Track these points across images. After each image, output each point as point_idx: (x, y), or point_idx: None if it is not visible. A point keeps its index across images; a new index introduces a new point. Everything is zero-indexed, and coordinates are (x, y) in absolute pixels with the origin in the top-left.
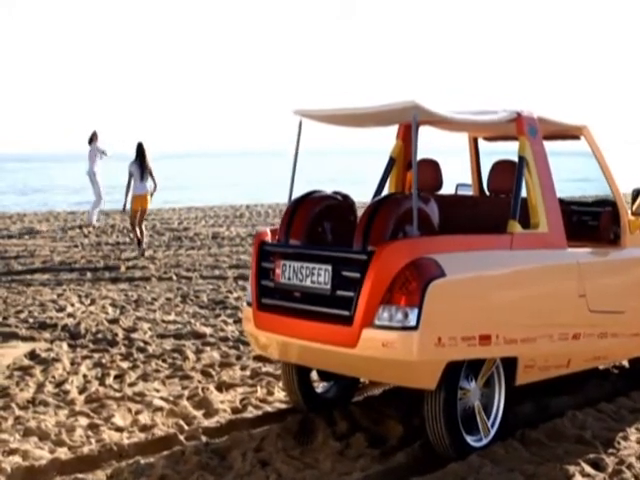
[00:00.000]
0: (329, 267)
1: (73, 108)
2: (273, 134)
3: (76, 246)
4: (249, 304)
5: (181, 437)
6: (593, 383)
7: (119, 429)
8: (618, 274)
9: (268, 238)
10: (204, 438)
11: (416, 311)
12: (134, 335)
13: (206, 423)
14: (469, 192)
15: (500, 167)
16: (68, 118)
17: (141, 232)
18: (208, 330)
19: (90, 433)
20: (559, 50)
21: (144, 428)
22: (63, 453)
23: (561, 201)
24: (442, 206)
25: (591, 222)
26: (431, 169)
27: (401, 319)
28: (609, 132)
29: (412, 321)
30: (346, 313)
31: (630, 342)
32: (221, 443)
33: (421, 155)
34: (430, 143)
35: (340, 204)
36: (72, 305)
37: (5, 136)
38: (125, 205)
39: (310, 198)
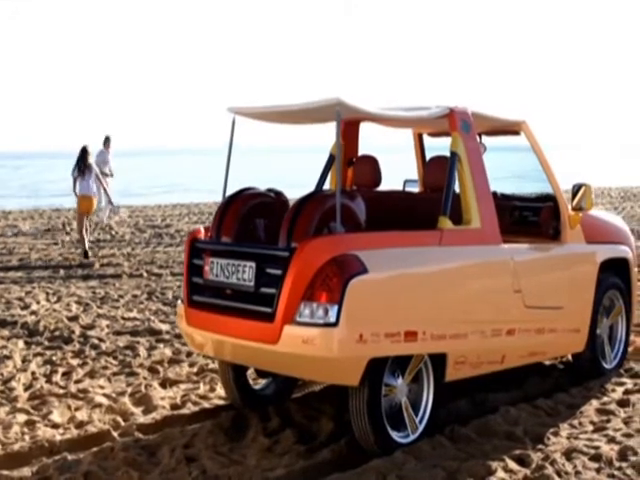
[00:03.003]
0: (253, 264)
1: (70, 107)
2: (270, 132)
3: (56, 244)
4: (183, 301)
5: (115, 433)
6: (534, 379)
7: (55, 426)
8: (556, 269)
9: (201, 235)
10: (138, 434)
11: (336, 308)
12: (91, 332)
13: (142, 419)
14: (416, 188)
15: (434, 163)
16: (68, 117)
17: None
18: (165, 327)
19: (26, 430)
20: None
21: (80, 425)
22: None
23: (503, 196)
24: (380, 203)
25: (532, 217)
26: (369, 165)
27: (322, 316)
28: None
29: (332, 318)
30: (268, 310)
31: (570, 337)
32: (152, 439)
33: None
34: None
35: (273, 202)
36: (38, 303)
37: (6, 135)
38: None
39: (242, 196)
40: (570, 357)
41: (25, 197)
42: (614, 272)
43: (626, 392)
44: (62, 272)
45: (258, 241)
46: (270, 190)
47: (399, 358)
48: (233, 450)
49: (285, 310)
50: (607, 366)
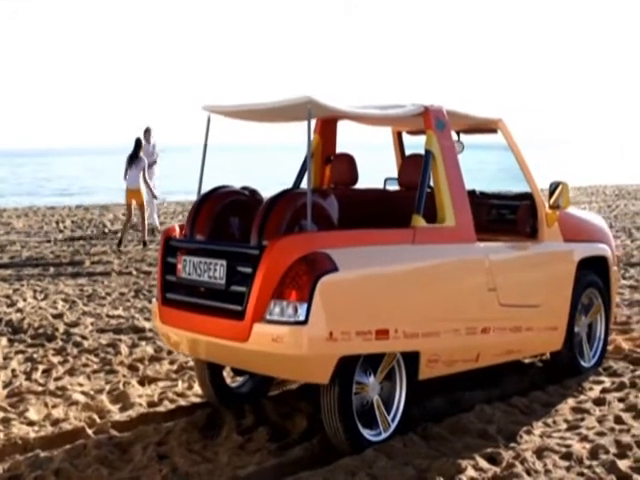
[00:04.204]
0: (224, 262)
1: (69, 106)
2: (267, 130)
3: (48, 241)
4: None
5: (89, 431)
6: (512, 377)
7: (31, 423)
8: (533, 268)
9: (175, 233)
10: (113, 432)
11: (305, 306)
12: (74, 330)
13: (117, 417)
14: (396, 186)
15: (410, 161)
16: (67, 115)
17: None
18: (149, 325)
19: (0, 427)
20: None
21: (55, 422)
22: None
23: (482, 194)
24: (357, 201)
25: (509, 216)
26: (347, 163)
27: (291, 314)
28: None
29: (301, 316)
30: (239, 308)
31: (547, 336)
32: (126, 437)
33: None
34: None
35: (248, 200)
36: (24, 300)
37: (6, 133)
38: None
39: (216, 194)
40: (548, 355)
41: (25, 195)
42: (593, 270)
43: (603, 391)
44: (52, 270)
45: (232, 239)
46: (245, 188)
47: (371, 356)
48: (206, 447)
49: (255, 308)
50: (585, 364)
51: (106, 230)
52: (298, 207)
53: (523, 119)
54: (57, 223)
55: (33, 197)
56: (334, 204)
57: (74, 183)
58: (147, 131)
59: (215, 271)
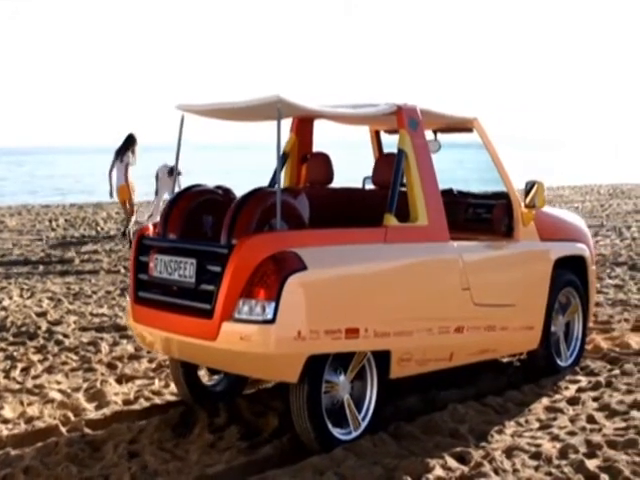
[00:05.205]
0: (194, 261)
1: (68, 104)
2: (264, 129)
3: (40, 240)
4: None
5: (63, 429)
6: (488, 376)
7: (5, 421)
8: (508, 267)
9: (149, 232)
10: (86, 430)
11: (273, 305)
12: (57, 328)
13: (92, 415)
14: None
15: (384, 160)
16: (67, 114)
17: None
18: None
19: None
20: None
21: (30, 420)
22: None
23: (460, 193)
24: (332, 200)
25: (485, 215)
26: (322, 163)
27: (259, 312)
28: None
29: (269, 314)
30: (207, 307)
31: (523, 335)
32: (98, 435)
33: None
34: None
35: (221, 199)
36: (10, 299)
37: (7, 132)
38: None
39: (188, 193)
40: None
41: (22, 193)
42: (571, 270)
43: (579, 390)
44: (41, 268)
45: (205, 238)
46: (218, 187)
47: (341, 355)
48: (177, 446)
49: (224, 307)
50: (562, 364)
51: (99, 229)
52: (268, 206)
53: (521, 120)
54: (50, 221)
55: (29, 195)
56: (305, 203)
57: (72, 182)
58: (172, 170)
59: (185, 270)
